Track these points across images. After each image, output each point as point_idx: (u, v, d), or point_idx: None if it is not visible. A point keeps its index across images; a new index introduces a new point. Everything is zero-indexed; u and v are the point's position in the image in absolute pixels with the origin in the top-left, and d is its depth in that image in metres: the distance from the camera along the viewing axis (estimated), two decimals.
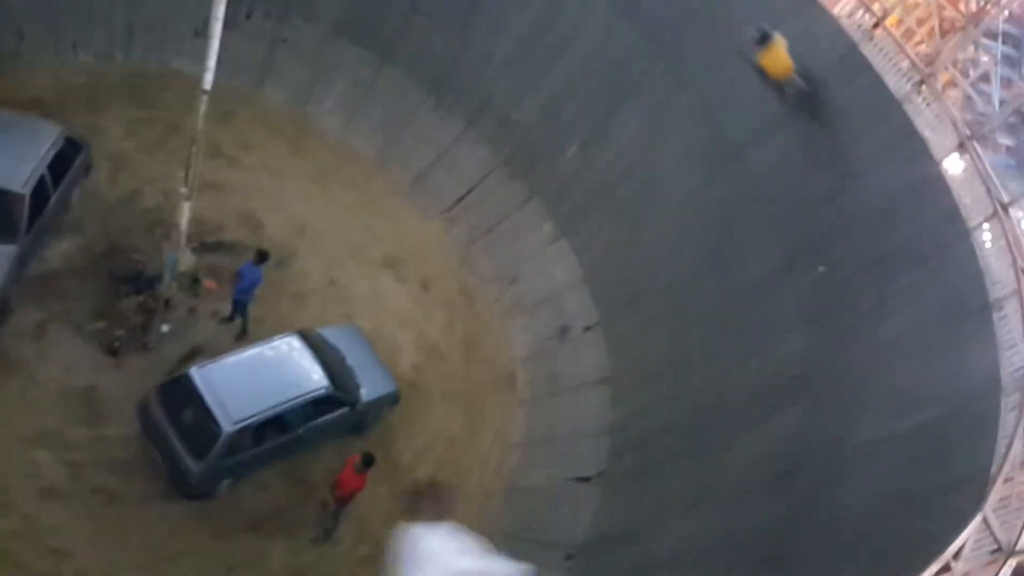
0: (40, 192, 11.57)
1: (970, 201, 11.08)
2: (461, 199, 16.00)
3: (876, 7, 12.85)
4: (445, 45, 15.85)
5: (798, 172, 12.67)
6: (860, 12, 12.67)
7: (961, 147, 11.54)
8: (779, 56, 11.76)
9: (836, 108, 12.23)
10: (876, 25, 12.40)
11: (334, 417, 11.56)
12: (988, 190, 11.03)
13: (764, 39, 11.76)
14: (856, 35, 12.31)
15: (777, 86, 12.17)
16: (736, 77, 12.85)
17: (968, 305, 10.21)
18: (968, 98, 20.49)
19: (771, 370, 12.08)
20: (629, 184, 14.75)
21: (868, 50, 12.18)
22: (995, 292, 10.09)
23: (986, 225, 10.87)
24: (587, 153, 15.15)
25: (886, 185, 11.81)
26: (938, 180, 11.21)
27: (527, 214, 15.73)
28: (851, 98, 12.31)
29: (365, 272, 14.61)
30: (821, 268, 12.03)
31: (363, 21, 16.10)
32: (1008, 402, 8.88)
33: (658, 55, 13.97)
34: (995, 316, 9.86)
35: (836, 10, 12.71)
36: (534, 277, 15.32)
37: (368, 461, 10.43)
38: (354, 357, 12.33)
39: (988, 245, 10.76)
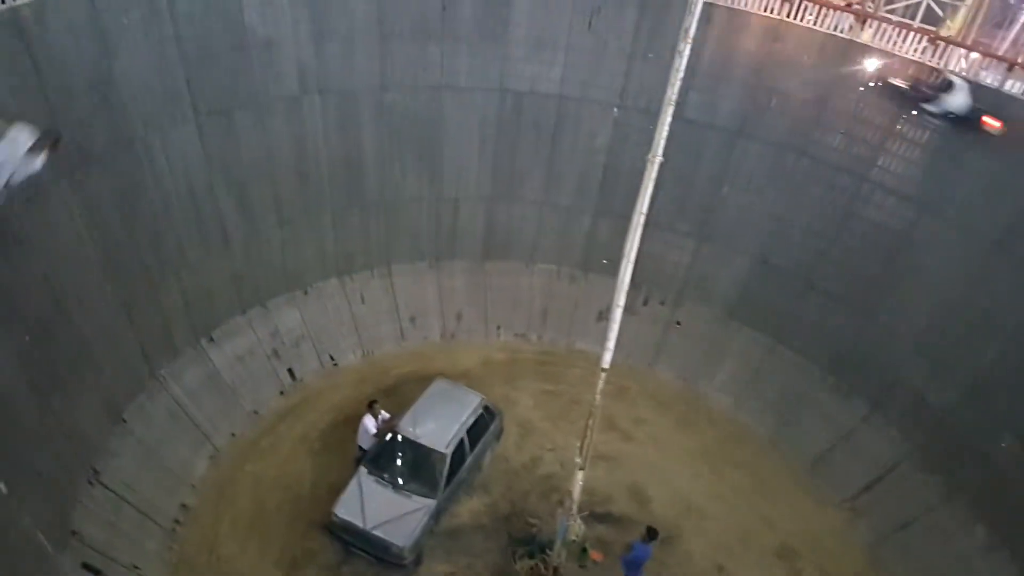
0: (459, 453, 12.95)
1: None
2: (867, 488, 14.31)
3: None
4: (844, 323, 15.23)
5: None
6: None
7: None
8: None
9: None
10: None
11: None
12: None
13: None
14: None
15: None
16: None
17: None
18: None
19: None
20: None
21: None
22: None
23: None
24: None
25: None
26: None
27: (951, 513, 13.30)
28: None
29: (756, 562, 13.36)
30: None
31: (756, 302, 16.34)
32: None
33: None
34: None
35: None
36: None
37: None
38: None
39: None
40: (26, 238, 10.46)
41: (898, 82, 13.49)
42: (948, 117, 12.91)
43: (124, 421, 12.63)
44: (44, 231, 10.80)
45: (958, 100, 12.67)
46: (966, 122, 12.70)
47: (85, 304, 11.78)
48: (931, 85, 13.11)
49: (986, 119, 12.34)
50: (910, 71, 13.61)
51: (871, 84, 13.92)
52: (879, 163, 14.43)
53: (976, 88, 12.76)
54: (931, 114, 13.11)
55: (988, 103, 12.69)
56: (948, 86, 12.83)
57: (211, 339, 14.54)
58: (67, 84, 10.91)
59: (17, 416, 10.18)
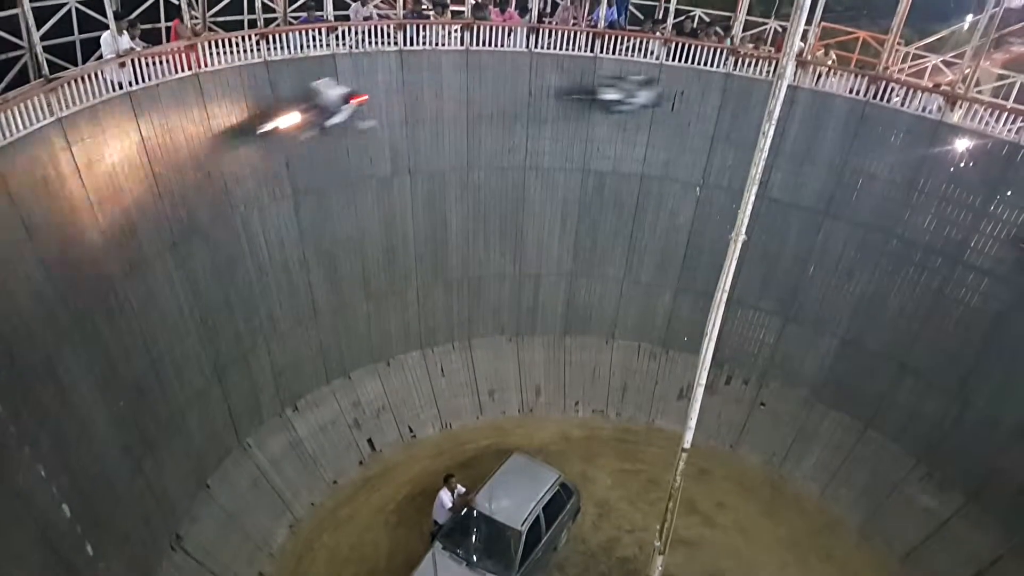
0: (534, 530, 12.74)
1: None
2: None
3: None
4: (939, 408, 14.55)
5: None
6: None
7: None
8: None
9: None
10: None
11: None
12: None
13: None
14: None
15: None
16: None
17: None
18: None
19: None
20: None
21: None
22: None
23: None
24: None
25: None
26: None
27: None
28: None
29: None
30: None
31: (844, 385, 15.79)
32: None
33: None
34: None
35: None
36: None
37: None
38: None
39: None
40: (130, 305, 11.07)
41: (285, 123, 12.94)
42: (334, 114, 13.38)
43: (208, 487, 12.97)
44: (147, 299, 11.41)
45: (333, 94, 13.29)
46: (345, 103, 13.39)
47: (180, 371, 12.30)
48: (321, 111, 13.39)
49: (353, 99, 13.54)
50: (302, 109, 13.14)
51: None
52: (972, 244, 13.97)
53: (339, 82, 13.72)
54: (328, 124, 13.60)
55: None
56: (335, 108, 13.37)
57: (295, 408, 14.91)
58: (174, 162, 11.68)
59: (109, 478, 10.55)
